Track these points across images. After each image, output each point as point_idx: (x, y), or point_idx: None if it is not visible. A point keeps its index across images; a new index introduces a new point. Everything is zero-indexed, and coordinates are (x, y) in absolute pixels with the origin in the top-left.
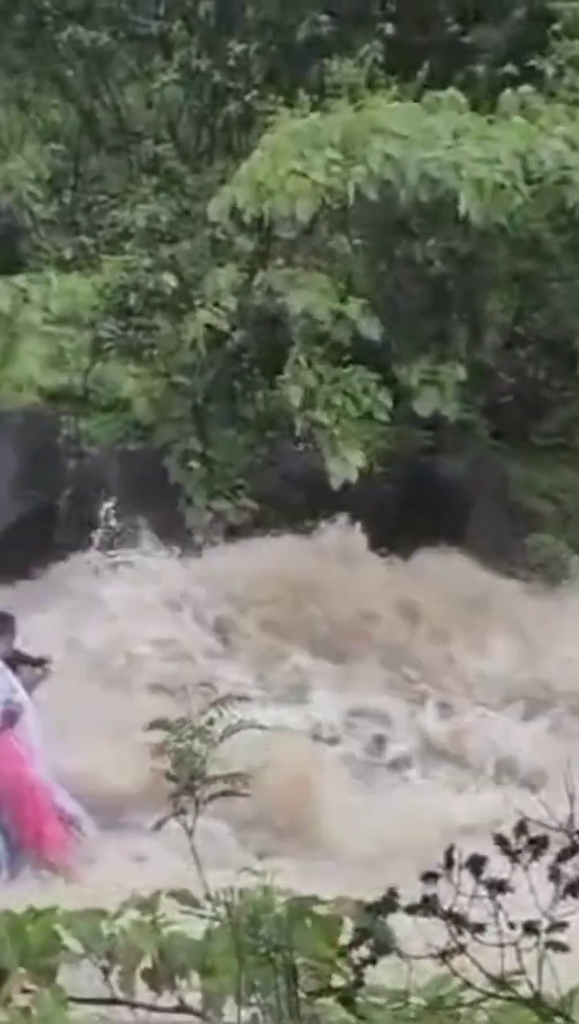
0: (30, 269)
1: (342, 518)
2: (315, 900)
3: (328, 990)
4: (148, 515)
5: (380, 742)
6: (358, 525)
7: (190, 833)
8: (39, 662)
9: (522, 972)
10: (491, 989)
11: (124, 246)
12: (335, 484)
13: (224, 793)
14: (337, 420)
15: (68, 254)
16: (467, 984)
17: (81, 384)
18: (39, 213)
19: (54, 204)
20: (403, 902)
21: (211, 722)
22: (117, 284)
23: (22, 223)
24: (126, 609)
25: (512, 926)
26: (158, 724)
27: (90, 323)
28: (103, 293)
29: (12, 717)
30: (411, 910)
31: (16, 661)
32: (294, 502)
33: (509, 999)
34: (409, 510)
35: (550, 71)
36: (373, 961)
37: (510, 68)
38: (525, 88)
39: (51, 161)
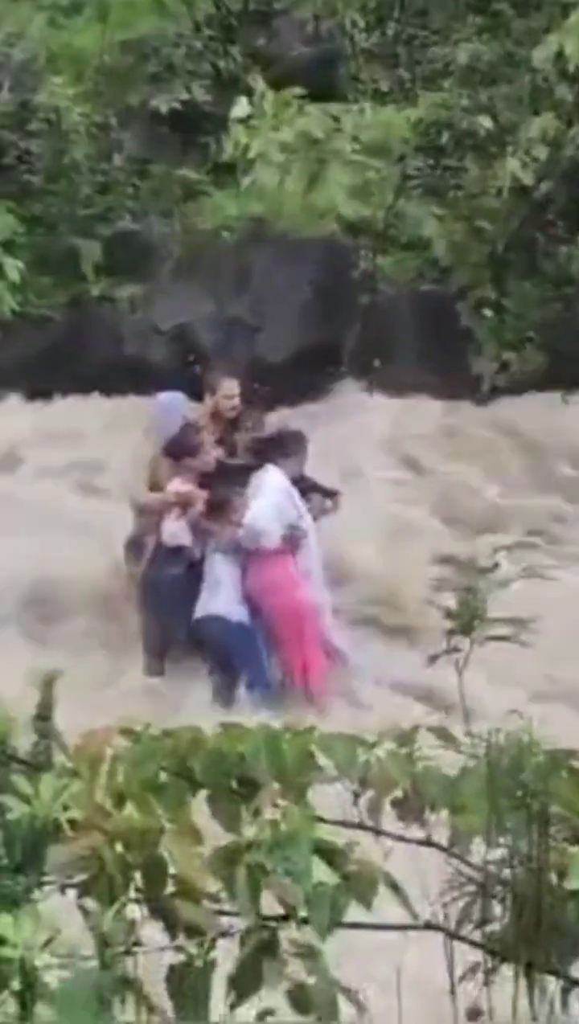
0: (345, 99)
1: None
2: (575, 753)
3: None
4: (434, 358)
5: None
6: None
7: (460, 673)
8: (331, 493)
9: None
10: None
11: (442, 84)
12: None
13: (502, 637)
14: None
15: (385, 86)
16: None
17: (382, 219)
18: (360, 42)
19: (376, 35)
20: None
21: (497, 565)
22: (431, 120)
23: (342, 51)
24: (403, 444)
25: None
26: (446, 560)
27: (399, 157)
28: (416, 128)
29: (295, 542)
30: None
31: (308, 489)
32: None
33: None
34: None
35: None
36: None
37: None
38: None
39: None
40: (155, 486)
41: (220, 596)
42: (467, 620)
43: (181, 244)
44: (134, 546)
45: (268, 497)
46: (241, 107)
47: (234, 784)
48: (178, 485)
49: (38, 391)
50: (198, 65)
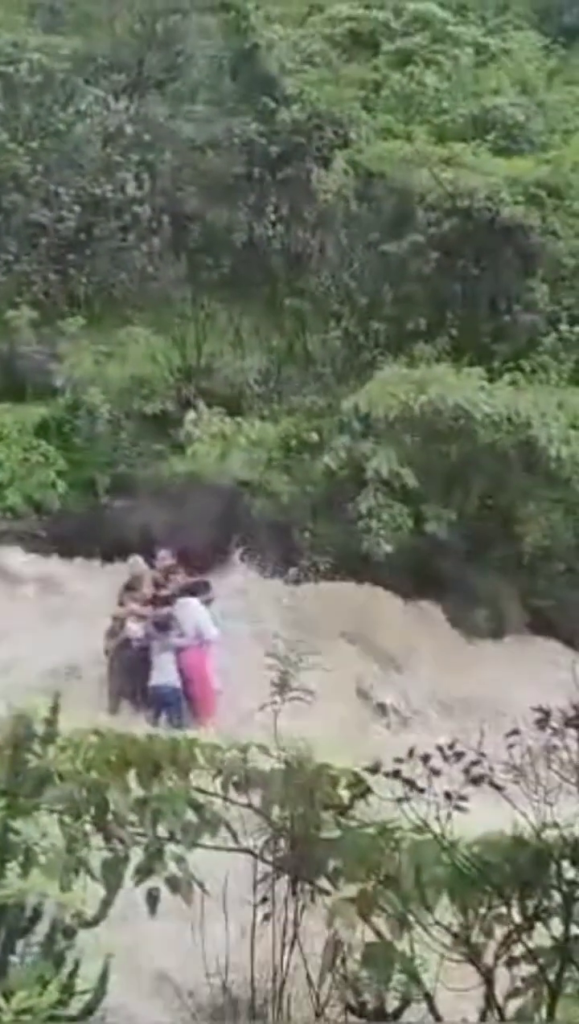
0: None
1: None
2: None
3: None
4: None
5: None
6: None
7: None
8: (208, 586)
9: None
10: None
11: None
12: None
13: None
14: None
15: None
16: None
17: None
18: None
19: None
20: None
21: None
22: None
23: None
24: None
25: None
26: None
27: None
28: None
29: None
30: None
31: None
32: None
33: None
34: None
35: None
36: None
37: None
38: None
39: None
40: (121, 605)
41: (166, 673)
42: None
43: None
44: (110, 634)
45: (194, 618)
46: None
47: (151, 766)
48: (131, 606)
49: None
50: None
